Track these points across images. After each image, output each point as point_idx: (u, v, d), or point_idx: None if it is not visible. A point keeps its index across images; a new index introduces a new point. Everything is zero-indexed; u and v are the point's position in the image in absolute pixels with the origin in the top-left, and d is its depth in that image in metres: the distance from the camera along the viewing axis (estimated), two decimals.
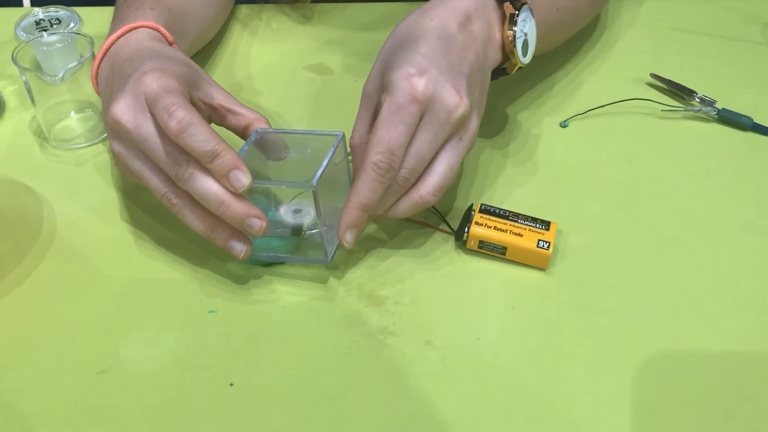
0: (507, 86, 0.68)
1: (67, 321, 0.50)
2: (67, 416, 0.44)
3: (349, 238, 0.50)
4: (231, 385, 0.46)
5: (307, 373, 0.46)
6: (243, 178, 0.47)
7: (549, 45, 0.66)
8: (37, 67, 0.68)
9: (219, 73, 0.72)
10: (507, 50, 0.56)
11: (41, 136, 0.66)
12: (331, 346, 0.48)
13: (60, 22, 0.71)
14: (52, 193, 0.60)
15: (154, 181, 0.49)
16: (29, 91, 0.63)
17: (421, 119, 0.49)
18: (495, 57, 0.56)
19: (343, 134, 0.51)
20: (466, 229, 0.52)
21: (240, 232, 0.49)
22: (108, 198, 0.59)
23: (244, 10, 0.82)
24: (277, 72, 0.73)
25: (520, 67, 0.58)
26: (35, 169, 0.62)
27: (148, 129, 0.48)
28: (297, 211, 0.52)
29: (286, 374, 0.46)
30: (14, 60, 0.60)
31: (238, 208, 0.47)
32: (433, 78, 0.48)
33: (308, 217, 0.52)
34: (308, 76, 0.72)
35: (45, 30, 0.69)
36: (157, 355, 0.48)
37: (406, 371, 0.46)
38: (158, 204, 0.50)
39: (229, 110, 0.53)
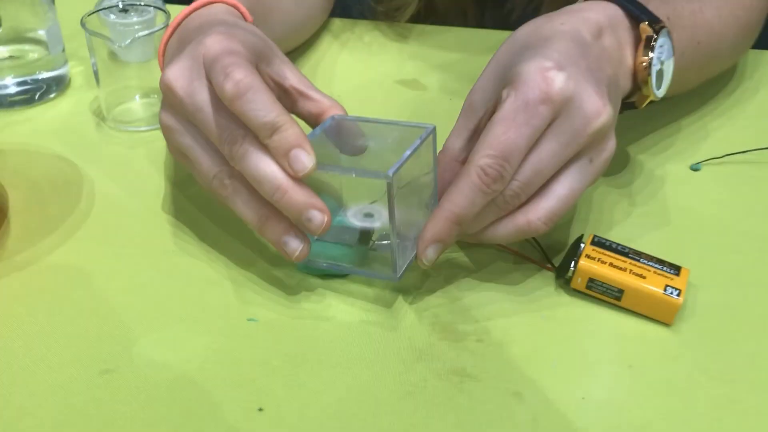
0: (628, 123, 0.59)
1: (79, 308, 0.42)
2: (53, 414, 0.35)
3: (430, 254, 0.40)
4: (260, 410, 0.36)
5: (358, 409, 0.36)
6: (305, 159, 0.38)
7: (683, 84, 0.56)
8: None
9: None
10: (639, 79, 0.47)
11: (99, 116, 0.60)
12: (391, 381, 0.38)
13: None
14: (97, 172, 0.53)
15: (205, 161, 0.42)
16: (96, 71, 0.58)
17: (549, 125, 0.39)
18: (625, 84, 0.47)
19: (435, 128, 0.42)
20: (573, 264, 0.42)
21: (296, 228, 0.41)
22: (154, 185, 0.52)
23: (336, 23, 0.76)
24: (364, 82, 0.66)
25: (651, 101, 0.49)
26: (85, 147, 0.56)
27: (202, 98, 0.41)
28: (368, 216, 0.43)
29: (331, 406, 0.36)
30: (82, 24, 0.55)
31: (296, 195, 0.39)
32: (573, 76, 0.40)
33: (380, 223, 0.43)
34: (399, 90, 0.65)
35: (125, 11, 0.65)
36: (176, 361, 0.39)
37: (485, 425, 0.36)
38: (208, 199, 0.43)
39: (302, 94, 0.45)
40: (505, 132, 0.38)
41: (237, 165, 0.40)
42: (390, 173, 0.37)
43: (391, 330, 0.41)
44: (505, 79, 0.41)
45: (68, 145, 0.56)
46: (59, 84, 0.64)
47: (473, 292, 0.43)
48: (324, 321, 0.41)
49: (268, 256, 0.45)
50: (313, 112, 0.45)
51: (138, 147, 0.56)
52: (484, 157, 0.38)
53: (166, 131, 0.44)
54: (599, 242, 0.43)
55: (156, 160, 0.54)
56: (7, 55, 0.61)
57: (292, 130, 0.39)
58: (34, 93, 0.62)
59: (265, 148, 0.39)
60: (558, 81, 0.39)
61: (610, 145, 0.41)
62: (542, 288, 0.44)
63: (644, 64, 0.46)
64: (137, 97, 0.61)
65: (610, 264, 0.42)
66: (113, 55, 0.58)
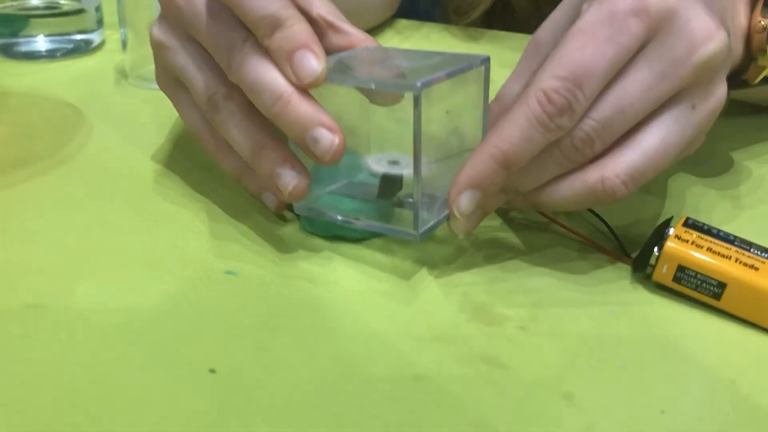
0: (735, 127, 0.49)
1: (32, 237, 0.34)
2: None
3: (464, 203, 0.31)
4: (211, 371, 0.27)
5: (339, 388, 0.26)
6: (313, 63, 0.30)
7: None
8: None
9: None
10: (754, 46, 0.37)
11: (122, 74, 0.54)
12: (392, 361, 0.28)
13: None
14: (99, 119, 0.47)
15: (200, 82, 0.34)
16: (124, 39, 0.53)
17: (641, 47, 0.30)
18: (736, 48, 0.37)
19: (489, 59, 0.33)
20: (657, 248, 0.32)
21: (296, 159, 0.32)
22: (156, 137, 0.45)
23: (403, 22, 0.69)
24: None
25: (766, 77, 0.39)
26: (96, 98, 0.50)
27: (201, 1, 0.34)
28: (393, 163, 0.34)
29: (304, 381, 0.27)
30: None
31: (301, 107, 0.30)
32: None
33: (407, 171, 0.33)
34: None
35: None
36: (122, 305, 0.30)
37: (517, 427, 0.25)
38: (208, 157, 0.36)
39: (331, 25, 0.36)
40: (581, 48, 0.29)
41: (235, 76, 0.32)
42: (419, 84, 0.29)
43: (405, 303, 0.31)
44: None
45: (78, 95, 0.50)
46: (88, 45, 0.59)
47: (520, 274, 0.33)
48: (322, 285, 0.32)
49: (269, 213, 0.37)
50: (344, 46, 0.37)
51: (151, 102, 0.50)
52: (549, 78, 0.29)
53: (158, 50, 0.36)
54: (694, 225, 0.33)
55: (165, 116, 0.47)
56: (42, 3, 0.57)
57: (298, 27, 0.31)
58: (61, 51, 0.57)
59: (267, 53, 0.31)
60: None
61: (720, 91, 0.31)
62: (614, 281, 0.33)
63: (762, 24, 0.37)
64: None
65: (709, 249, 0.31)
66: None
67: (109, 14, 0.59)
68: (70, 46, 0.57)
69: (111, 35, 0.62)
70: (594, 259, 0.35)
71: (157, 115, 0.47)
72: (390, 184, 0.34)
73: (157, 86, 0.50)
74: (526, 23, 0.70)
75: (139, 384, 0.26)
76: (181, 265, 0.33)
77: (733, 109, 0.52)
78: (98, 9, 0.59)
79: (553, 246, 0.36)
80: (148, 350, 0.28)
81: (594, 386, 0.27)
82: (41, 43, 0.57)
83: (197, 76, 0.34)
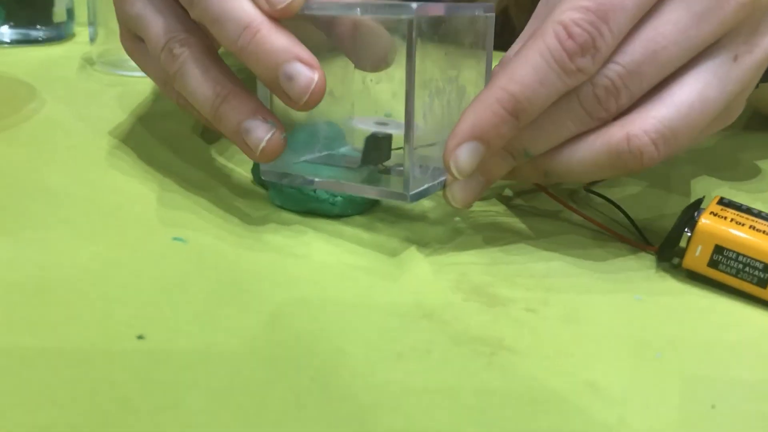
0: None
1: None
2: None
3: (463, 157, 0.26)
4: (139, 338, 0.21)
5: (313, 366, 0.21)
6: None
7: None
8: None
9: None
10: None
11: (88, 61, 0.50)
12: (375, 336, 0.22)
13: None
14: (53, 96, 0.42)
15: (156, 27, 0.30)
16: (93, 38, 0.49)
17: None
18: None
19: (493, 8, 0.29)
20: (688, 229, 0.27)
21: (267, 110, 0.27)
22: (113, 115, 0.40)
23: None
24: None
25: None
26: (56, 79, 0.46)
27: None
28: (382, 125, 0.29)
29: (267, 359, 0.21)
30: None
31: (271, 37, 0.26)
32: None
33: (398, 130, 0.29)
34: None
35: None
36: (47, 263, 0.24)
37: (530, 414, 0.19)
38: (172, 132, 0.31)
39: None
40: None
41: (197, 9, 0.27)
42: (414, 6, 0.24)
43: (389, 279, 0.26)
44: None
45: (36, 76, 0.45)
46: (58, 37, 0.55)
47: (527, 258, 0.28)
48: (288, 257, 0.27)
49: (234, 186, 0.32)
50: None
51: (117, 86, 0.45)
52: (569, 9, 0.25)
53: (117, 2, 0.32)
54: (731, 203, 0.28)
55: (133, 99, 0.43)
56: None
57: None
58: (28, 39, 0.53)
59: None
60: None
61: (767, 40, 0.27)
62: (637, 269, 0.28)
63: None
64: None
65: (752, 227, 0.26)
66: None
67: (81, 14, 0.55)
68: (39, 35, 0.53)
69: (81, 31, 0.58)
70: (612, 248, 0.29)
71: (120, 98, 0.43)
72: (377, 146, 0.29)
73: (125, 71, 0.46)
74: None
75: (54, 348, 0.20)
76: (119, 229, 0.27)
77: (754, 122, 0.48)
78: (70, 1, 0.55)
79: (564, 233, 0.30)
80: (68, 311, 0.22)
81: (623, 375, 0.22)
82: (6, 32, 0.53)
83: (153, 22, 0.30)
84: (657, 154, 0.26)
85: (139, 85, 0.45)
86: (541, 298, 0.25)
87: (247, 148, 0.27)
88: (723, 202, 0.28)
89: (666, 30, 0.25)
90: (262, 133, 0.27)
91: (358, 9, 0.25)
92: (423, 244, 0.28)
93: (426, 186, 0.27)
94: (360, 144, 0.31)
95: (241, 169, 0.34)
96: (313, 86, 0.25)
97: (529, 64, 0.25)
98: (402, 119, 0.26)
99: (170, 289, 0.24)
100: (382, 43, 0.30)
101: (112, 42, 0.49)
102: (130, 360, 0.20)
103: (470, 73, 0.29)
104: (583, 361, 0.22)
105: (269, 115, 0.27)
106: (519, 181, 0.31)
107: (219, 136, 0.37)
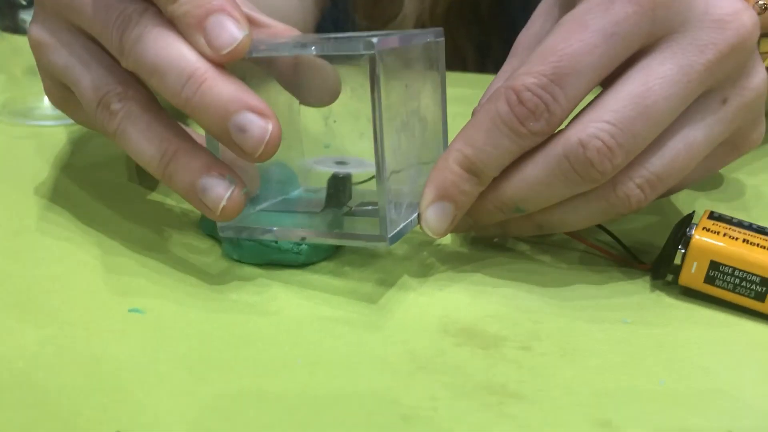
0: None
1: None
2: None
3: (431, 218, 0.27)
4: None
5: None
6: (232, 28, 0.25)
7: None
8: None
9: None
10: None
11: None
12: (374, 398, 0.21)
13: None
14: None
15: (86, 80, 0.28)
16: None
17: (652, 43, 0.25)
18: None
19: (442, 32, 0.29)
20: (682, 245, 0.27)
21: (221, 164, 0.26)
22: (34, 171, 0.37)
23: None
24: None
25: None
26: None
27: None
28: (341, 164, 0.28)
29: (253, 428, 0.19)
30: None
31: (218, 86, 0.24)
32: None
33: (359, 168, 0.28)
34: None
35: None
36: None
37: None
38: (108, 186, 0.29)
39: (250, 19, 0.31)
40: (566, 39, 0.25)
41: (131, 59, 0.25)
42: (375, 41, 0.23)
43: (373, 329, 0.25)
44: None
45: None
46: None
47: (507, 288, 0.27)
48: (260, 316, 0.25)
49: (182, 246, 0.30)
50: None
51: (31, 138, 0.42)
52: (525, 74, 0.25)
53: (38, 49, 0.30)
54: (721, 217, 0.28)
55: (48, 151, 0.40)
56: None
57: None
58: None
59: (171, 24, 0.25)
60: None
61: (757, 78, 0.27)
62: (630, 292, 0.28)
63: (762, 3, 0.34)
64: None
65: (746, 241, 0.26)
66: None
67: None
68: None
69: None
70: (600, 269, 0.29)
71: (38, 151, 0.40)
72: (340, 187, 0.27)
73: (36, 121, 0.44)
74: None
75: None
76: (66, 306, 0.25)
77: None
78: None
79: (541, 254, 0.30)
80: (26, 414, 0.20)
81: (633, 409, 0.21)
82: None
83: (83, 75, 0.28)
84: (644, 198, 0.26)
85: (56, 136, 0.42)
86: (531, 333, 0.25)
87: (204, 208, 0.26)
88: (713, 216, 0.28)
89: (655, 85, 0.25)
90: (221, 191, 0.25)
91: (313, 48, 0.24)
92: (399, 285, 0.27)
93: (402, 225, 0.26)
94: (313, 185, 0.30)
95: (189, 217, 0.32)
96: (267, 137, 0.24)
97: (482, 128, 0.25)
98: (363, 156, 0.26)
99: (139, 372, 0.22)
100: (327, 77, 0.29)
101: (16, 89, 0.46)
102: None
103: (428, 101, 0.28)
104: (590, 399, 0.22)
105: (225, 169, 0.26)
106: (511, 235, 0.31)
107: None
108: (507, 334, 0.25)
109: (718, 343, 0.25)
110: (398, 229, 0.26)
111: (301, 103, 0.29)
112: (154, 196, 0.34)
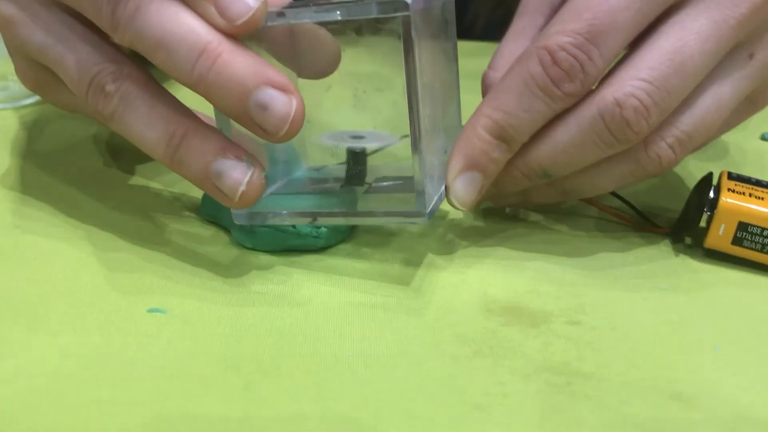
0: None
1: None
2: None
3: (459, 190, 0.25)
4: None
5: None
6: None
7: None
8: None
9: None
10: None
11: None
12: (440, 389, 0.20)
13: None
14: None
15: (73, 59, 0.25)
16: None
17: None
18: None
19: None
20: (707, 207, 0.26)
21: (236, 145, 0.24)
22: (2, 160, 0.34)
23: None
24: None
25: None
26: None
27: None
28: (357, 138, 0.27)
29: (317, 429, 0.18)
30: None
31: (236, 61, 0.22)
32: None
33: (378, 142, 0.26)
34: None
35: None
36: (9, 376, 0.20)
37: None
38: (82, 171, 0.26)
39: None
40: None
41: (127, 33, 0.23)
42: (408, 0, 0.22)
43: (415, 314, 0.23)
44: None
45: None
46: None
47: (537, 261, 0.27)
48: (292, 307, 0.23)
49: (184, 230, 0.28)
50: None
51: None
52: (558, 32, 0.23)
53: (6, 27, 0.26)
54: (740, 177, 0.28)
55: (4, 136, 0.36)
56: None
57: None
58: None
59: None
60: None
61: None
62: (656, 257, 0.27)
63: None
64: None
65: None
66: None
67: None
68: None
69: None
70: (620, 237, 0.29)
71: (3, 135, 0.36)
72: (360, 162, 0.26)
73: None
74: None
75: None
76: (74, 310, 0.23)
77: None
78: None
79: (557, 223, 0.29)
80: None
81: (699, 379, 0.21)
82: None
83: (65, 54, 0.25)
84: (675, 158, 0.25)
85: (5, 120, 0.38)
86: (575, 306, 0.24)
87: (220, 194, 0.23)
88: (732, 177, 0.28)
89: (690, 41, 0.24)
90: (239, 175, 0.23)
91: (338, 12, 0.22)
92: (426, 265, 0.26)
93: (435, 199, 0.25)
94: (316, 163, 0.29)
95: (183, 202, 0.29)
96: (292, 113, 0.22)
97: (513, 90, 0.24)
98: (382, 129, 0.24)
99: (182, 378, 0.20)
100: (325, 45, 0.27)
101: None
102: None
103: (444, 65, 0.27)
104: (655, 372, 0.21)
105: (241, 151, 0.24)
106: (532, 203, 0.30)
107: (141, 159, 0.32)
108: (552, 309, 0.24)
109: (757, 304, 0.25)
110: (434, 202, 0.24)
111: (299, 75, 0.27)
112: (138, 180, 0.31)
